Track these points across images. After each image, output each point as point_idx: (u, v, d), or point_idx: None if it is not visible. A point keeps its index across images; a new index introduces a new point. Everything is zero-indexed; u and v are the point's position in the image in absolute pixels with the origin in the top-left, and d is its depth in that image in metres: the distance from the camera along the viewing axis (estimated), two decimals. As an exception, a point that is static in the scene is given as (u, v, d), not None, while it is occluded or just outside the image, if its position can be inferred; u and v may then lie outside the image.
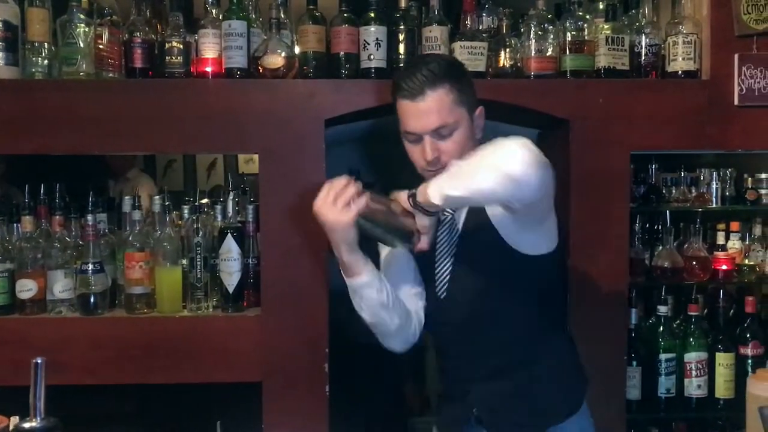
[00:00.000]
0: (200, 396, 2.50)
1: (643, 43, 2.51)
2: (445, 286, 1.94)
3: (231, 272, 2.38)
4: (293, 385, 2.38)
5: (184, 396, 2.53)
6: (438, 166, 1.79)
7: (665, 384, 2.75)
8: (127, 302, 2.40)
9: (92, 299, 2.36)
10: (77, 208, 2.44)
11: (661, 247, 2.84)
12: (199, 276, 2.39)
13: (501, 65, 2.51)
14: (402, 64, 2.26)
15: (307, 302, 2.37)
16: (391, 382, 3.50)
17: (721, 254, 2.84)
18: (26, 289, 2.36)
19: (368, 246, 1.84)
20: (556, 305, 2.05)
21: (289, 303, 2.37)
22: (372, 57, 2.39)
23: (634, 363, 2.73)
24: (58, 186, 2.45)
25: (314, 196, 1.72)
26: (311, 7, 2.45)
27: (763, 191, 2.94)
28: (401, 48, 2.43)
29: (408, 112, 1.80)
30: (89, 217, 2.34)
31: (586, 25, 2.48)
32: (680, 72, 2.48)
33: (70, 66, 2.33)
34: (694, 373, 2.75)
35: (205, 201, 2.65)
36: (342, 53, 2.41)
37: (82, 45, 2.33)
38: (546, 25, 2.47)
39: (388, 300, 1.83)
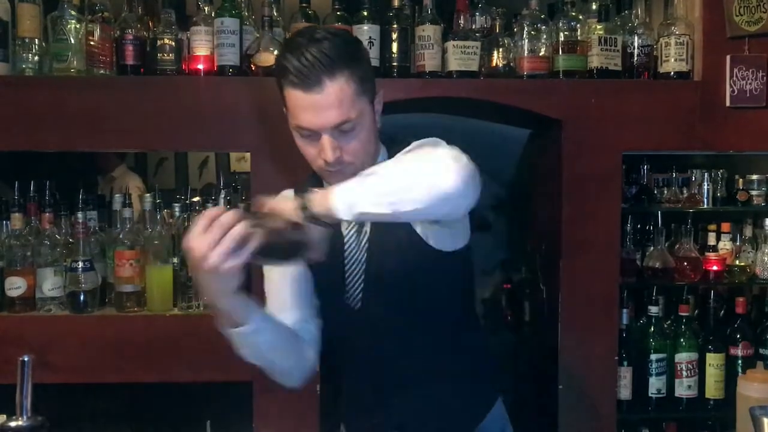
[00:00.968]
0: (190, 395, 2.49)
1: (636, 44, 2.51)
2: (359, 296, 1.68)
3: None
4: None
5: (174, 395, 2.52)
6: (338, 166, 1.53)
7: (656, 384, 2.76)
8: (118, 300, 2.39)
9: (82, 297, 2.35)
10: (67, 206, 2.42)
11: (652, 248, 2.85)
12: (189, 275, 2.38)
13: (494, 65, 2.52)
14: (288, 42, 1.68)
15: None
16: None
17: (712, 255, 2.84)
18: (15, 286, 2.35)
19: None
20: (471, 300, 1.89)
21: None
22: (364, 56, 2.38)
23: (625, 363, 2.72)
24: (48, 183, 2.43)
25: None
26: (304, 5, 2.45)
27: (754, 192, 2.95)
28: (394, 47, 2.42)
29: (301, 105, 1.50)
30: (79, 215, 2.34)
31: (578, 25, 2.48)
32: (672, 73, 2.48)
33: (61, 62, 2.32)
34: (684, 373, 2.76)
35: (196, 199, 2.64)
36: (335, 51, 2.40)
37: (73, 41, 2.32)
38: (539, 25, 2.48)
39: (281, 339, 1.58)
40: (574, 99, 2.44)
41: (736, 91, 2.43)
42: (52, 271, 2.36)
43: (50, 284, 2.36)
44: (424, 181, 1.34)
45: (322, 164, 1.55)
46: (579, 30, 2.48)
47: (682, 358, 2.76)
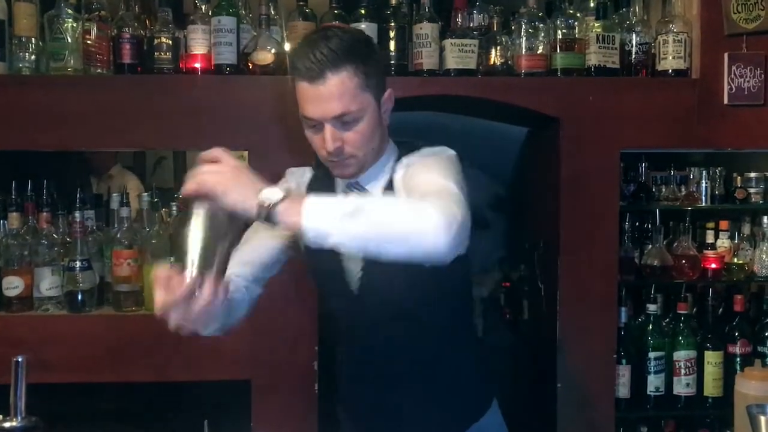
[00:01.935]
0: (188, 394, 2.49)
1: (634, 42, 2.52)
2: (358, 283, 1.71)
3: (220, 270, 2.37)
4: (282, 383, 2.37)
5: (172, 395, 2.52)
6: (341, 157, 1.61)
7: (654, 382, 2.75)
8: (115, 300, 2.38)
9: (80, 297, 2.35)
10: (65, 205, 2.42)
11: (650, 246, 2.84)
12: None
13: (491, 63, 2.52)
14: (303, 39, 1.74)
15: (296, 301, 2.36)
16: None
17: (710, 253, 2.84)
18: (13, 286, 2.34)
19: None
20: (467, 300, 1.93)
21: (278, 301, 2.35)
22: (362, 54, 2.38)
23: (624, 361, 2.72)
24: (45, 183, 2.43)
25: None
26: (301, 3, 2.45)
27: (752, 190, 2.94)
28: (392, 45, 2.42)
29: (306, 96, 1.58)
30: (77, 214, 2.33)
31: (576, 23, 2.48)
32: (670, 71, 2.49)
33: (58, 61, 2.32)
34: (682, 371, 2.75)
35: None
36: (332, 50, 2.40)
37: (70, 40, 2.31)
38: (537, 23, 2.48)
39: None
40: (572, 97, 2.44)
41: (734, 89, 2.44)
42: (50, 271, 2.36)
43: (48, 284, 2.36)
44: (409, 236, 1.34)
45: (325, 154, 1.62)
46: (577, 28, 2.48)
47: (681, 356, 2.76)
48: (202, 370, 2.36)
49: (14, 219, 2.36)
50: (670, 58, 2.48)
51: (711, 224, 2.92)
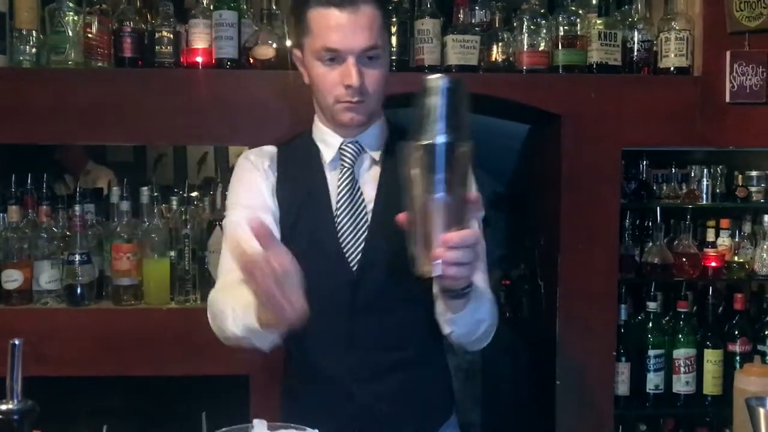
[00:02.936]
0: (187, 389, 2.49)
1: (636, 39, 2.51)
2: (357, 263, 1.61)
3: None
4: (280, 378, 2.37)
5: (170, 389, 2.52)
6: (359, 97, 1.56)
7: (654, 380, 2.75)
8: (115, 294, 2.38)
9: (79, 290, 2.35)
10: (64, 199, 2.42)
11: (651, 244, 2.84)
12: (187, 268, 2.38)
13: (493, 59, 2.51)
14: None
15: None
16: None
17: (710, 251, 2.84)
18: (12, 279, 2.34)
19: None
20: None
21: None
22: (363, 49, 2.37)
23: (623, 359, 2.72)
24: (45, 176, 2.43)
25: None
26: (303, -2, 2.43)
27: (753, 188, 2.94)
28: (393, 40, 2.41)
29: (332, 24, 1.51)
30: (76, 208, 2.33)
31: (578, 20, 2.47)
32: (672, 68, 2.48)
33: (59, 54, 2.32)
34: (682, 369, 2.75)
35: (194, 194, 2.63)
36: (333, 45, 2.40)
37: (71, 33, 2.31)
38: (538, 20, 2.47)
39: None
40: (574, 94, 2.44)
41: (735, 87, 2.44)
42: (49, 264, 2.36)
43: (47, 277, 2.36)
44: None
45: (341, 93, 1.55)
46: (579, 25, 2.47)
47: (680, 354, 2.75)
48: (201, 364, 2.35)
49: (14, 212, 2.36)
50: (672, 55, 2.47)
51: (712, 222, 2.92)
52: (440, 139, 1.21)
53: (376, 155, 1.67)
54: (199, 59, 2.37)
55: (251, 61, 2.36)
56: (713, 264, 2.82)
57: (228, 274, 1.57)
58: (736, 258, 2.88)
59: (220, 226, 2.35)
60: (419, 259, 1.26)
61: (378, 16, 1.54)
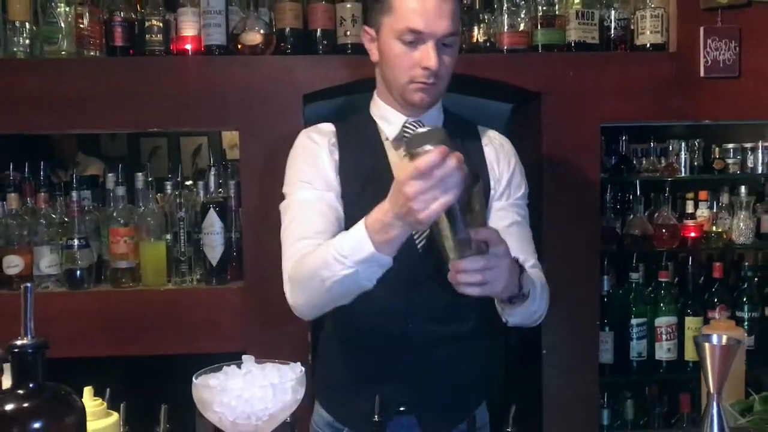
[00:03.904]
0: (185, 366, 2.56)
1: (613, 17, 2.58)
2: (425, 238, 1.67)
3: (214, 246, 2.44)
4: (276, 354, 2.43)
5: (169, 367, 2.59)
6: (434, 80, 1.63)
7: (637, 348, 2.85)
8: (113, 276, 2.45)
9: (78, 274, 2.41)
10: (62, 186, 2.48)
11: (632, 216, 2.93)
12: (182, 250, 2.45)
13: (475, 41, 2.57)
14: None
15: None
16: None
17: (690, 222, 2.93)
18: (13, 265, 2.40)
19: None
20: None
21: (271, 275, 2.41)
22: (348, 33, 2.44)
23: (607, 328, 2.82)
24: (42, 164, 2.49)
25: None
26: (288, -16, 2.49)
27: (729, 161, 3.03)
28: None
29: (418, 8, 1.58)
30: (74, 194, 2.39)
31: (556, 0, 2.53)
32: (648, 45, 2.55)
33: (52, 45, 2.36)
34: (664, 337, 2.85)
35: (189, 183, 2.69)
36: (319, 30, 2.46)
37: (63, 24, 2.36)
38: (518, 1, 2.53)
39: None
40: (553, 72, 2.50)
41: (709, 62, 2.51)
42: (49, 249, 2.42)
43: (47, 262, 2.42)
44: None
45: (418, 74, 1.62)
46: (557, 5, 2.53)
47: (662, 322, 2.85)
48: (198, 342, 2.42)
49: (13, 200, 2.42)
50: (648, 32, 2.54)
51: (690, 194, 3.01)
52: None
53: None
54: (188, 46, 2.42)
55: (239, 47, 2.41)
56: (692, 234, 2.91)
57: (298, 243, 1.64)
58: (714, 228, 2.98)
59: (214, 208, 2.42)
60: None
61: (457, 4, 1.62)
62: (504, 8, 2.52)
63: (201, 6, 2.40)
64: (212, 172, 2.50)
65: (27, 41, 2.39)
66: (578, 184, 2.54)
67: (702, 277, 3.00)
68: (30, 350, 0.94)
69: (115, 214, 2.44)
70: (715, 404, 1.29)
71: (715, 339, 1.29)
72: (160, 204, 2.54)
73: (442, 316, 1.73)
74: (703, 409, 1.31)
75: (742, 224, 2.94)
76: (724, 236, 2.96)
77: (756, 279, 2.97)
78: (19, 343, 0.94)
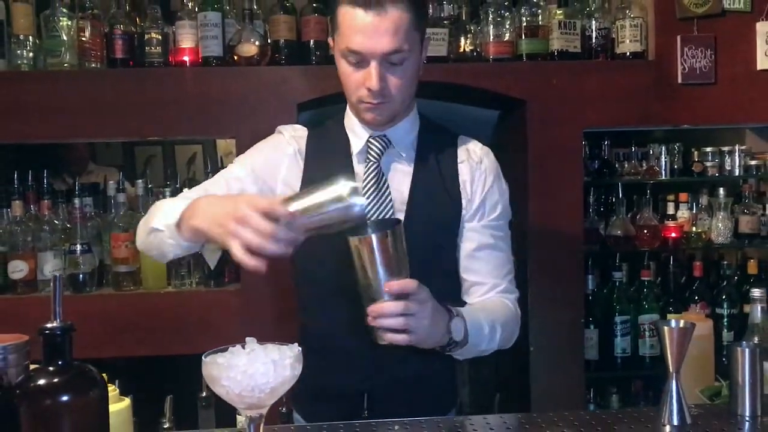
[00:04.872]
0: (186, 367, 2.63)
1: (594, 27, 2.68)
2: (405, 204, 1.62)
3: (212, 250, 2.50)
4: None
5: (170, 367, 2.67)
6: (381, 99, 1.53)
7: (621, 345, 2.93)
8: (114, 280, 2.54)
9: (81, 278, 2.49)
10: (64, 193, 2.56)
11: (614, 218, 3.01)
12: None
13: (461, 50, 2.67)
14: None
15: (283, 277, 2.49)
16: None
17: (670, 223, 3.02)
18: (18, 270, 2.49)
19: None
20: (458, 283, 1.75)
21: (266, 278, 2.49)
22: (340, 44, 2.52)
23: (592, 326, 2.90)
24: (45, 172, 2.57)
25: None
26: (282, -3, 2.59)
27: (708, 164, 3.13)
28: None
29: (357, 26, 1.47)
30: (76, 201, 2.48)
31: (540, 11, 2.64)
32: (628, 53, 2.65)
33: (55, 57, 2.45)
34: (647, 333, 2.93)
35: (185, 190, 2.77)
36: (312, 41, 2.56)
37: (65, 37, 2.45)
38: (503, 12, 2.63)
39: None
40: (537, 80, 2.60)
41: (687, 69, 2.61)
42: (52, 254, 2.51)
43: (51, 267, 2.50)
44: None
45: (364, 94, 1.54)
46: (540, 15, 2.64)
47: (645, 319, 2.94)
48: (197, 343, 2.47)
49: (17, 207, 2.50)
50: (628, 41, 2.64)
51: (671, 196, 3.10)
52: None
53: (404, 150, 1.67)
54: (186, 58, 2.51)
55: (235, 58, 2.50)
56: (673, 235, 3.01)
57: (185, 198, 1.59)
58: (694, 229, 3.07)
59: (212, 213, 2.49)
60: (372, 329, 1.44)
61: (407, 18, 1.47)
62: (489, 19, 2.62)
63: (198, 19, 2.49)
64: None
65: (31, 54, 2.48)
66: (562, 187, 2.62)
67: (683, 276, 3.09)
68: (59, 332, 1.05)
69: (116, 220, 2.52)
70: (674, 382, 1.39)
71: (673, 323, 1.39)
72: (159, 210, 2.62)
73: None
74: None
75: (720, 225, 3.04)
76: (704, 236, 3.05)
77: (735, 277, 3.07)
78: (49, 326, 1.05)
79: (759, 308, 1.55)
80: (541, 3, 2.66)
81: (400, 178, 1.66)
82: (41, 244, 2.51)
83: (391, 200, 1.62)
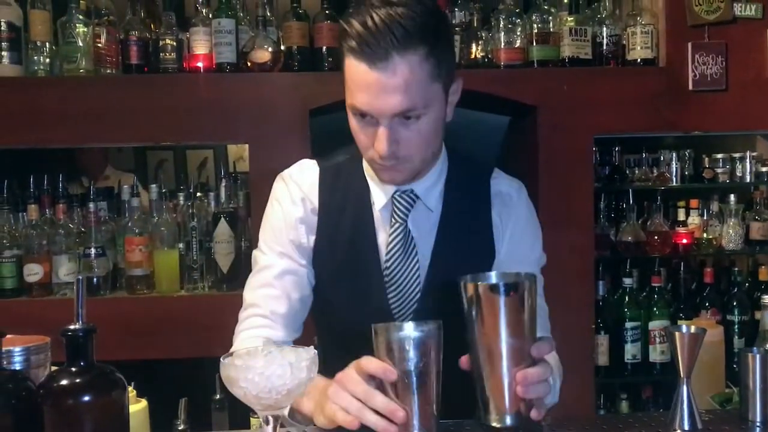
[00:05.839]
0: (199, 370, 2.66)
1: (605, 34, 2.69)
2: (414, 305, 1.45)
3: (225, 254, 2.54)
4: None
5: (182, 370, 2.68)
6: (392, 162, 1.31)
7: (631, 350, 2.94)
8: (128, 284, 2.55)
9: (95, 281, 2.51)
10: (79, 197, 2.59)
11: (625, 224, 3.03)
12: (195, 258, 2.55)
13: (473, 57, 2.69)
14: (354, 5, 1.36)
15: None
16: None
17: (681, 229, 3.03)
18: (33, 273, 2.51)
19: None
20: None
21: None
22: (353, 51, 2.54)
23: (602, 331, 2.91)
24: (60, 177, 2.60)
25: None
26: (295, 5, 2.61)
27: (719, 170, 3.14)
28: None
29: (361, 81, 1.25)
30: (91, 205, 2.50)
31: (551, 18, 2.65)
32: (639, 60, 2.66)
33: (71, 63, 2.48)
34: (657, 339, 2.94)
35: (200, 194, 2.80)
36: (324, 48, 2.58)
37: (81, 44, 2.47)
38: (514, 19, 2.65)
39: None
40: (548, 86, 2.60)
41: (697, 76, 2.61)
42: (67, 258, 2.52)
43: (65, 270, 2.52)
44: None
45: (374, 156, 1.32)
46: (551, 22, 2.65)
47: (656, 325, 2.94)
48: (210, 346, 2.50)
49: (33, 211, 2.53)
50: (639, 48, 2.65)
51: (682, 202, 3.11)
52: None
53: (432, 204, 1.46)
54: (200, 64, 2.53)
55: (249, 64, 2.52)
56: (684, 241, 3.01)
57: (251, 315, 1.54)
58: (705, 235, 3.08)
59: (225, 218, 2.52)
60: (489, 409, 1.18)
61: (421, 71, 1.24)
62: (501, 26, 2.64)
63: (212, 26, 2.51)
64: (223, 184, 2.61)
65: (47, 60, 2.50)
66: (573, 193, 2.63)
67: (694, 282, 3.10)
68: (81, 334, 1.09)
69: (130, 224, 2.54)
70: (685, 387, 1.40)
71: (684, 328, 1.40)
72: (173, 213, 2.65)
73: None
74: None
75: (731, 231, 3.04)
76: (715, 243, 3.06)
77: (746, 284, 3.07)
78: (72, 327, 1.08)
79: (770, 314, 1.55)
80: (552, 10, 2.67)
81: (428, 238, 1.47)
82: (56, 247, 2.53)
83: (418, 266, 1.45)
